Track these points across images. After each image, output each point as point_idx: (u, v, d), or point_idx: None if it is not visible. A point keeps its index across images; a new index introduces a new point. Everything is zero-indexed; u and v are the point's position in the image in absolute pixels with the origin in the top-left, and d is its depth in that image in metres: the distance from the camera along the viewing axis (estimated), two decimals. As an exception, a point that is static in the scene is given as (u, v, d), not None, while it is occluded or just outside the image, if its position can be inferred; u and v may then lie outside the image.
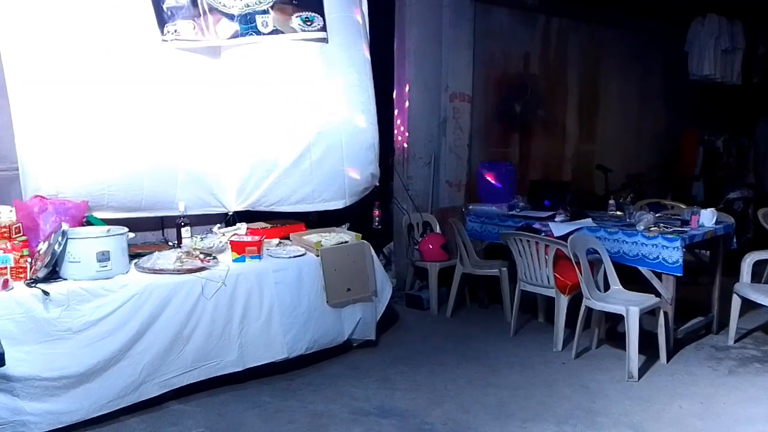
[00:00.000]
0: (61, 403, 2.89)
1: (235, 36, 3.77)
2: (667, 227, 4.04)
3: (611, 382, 3.59)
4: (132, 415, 3.10)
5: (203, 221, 4.05)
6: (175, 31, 3.61)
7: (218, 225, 4.07)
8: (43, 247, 3.08)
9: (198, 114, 3.80)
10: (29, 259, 3.04)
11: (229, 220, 4.11)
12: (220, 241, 3.74)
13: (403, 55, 5.27)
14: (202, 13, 3.69)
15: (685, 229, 4.02)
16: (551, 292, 4.11)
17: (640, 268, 3.98)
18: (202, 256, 3.50)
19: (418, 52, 5.28)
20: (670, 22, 7.14)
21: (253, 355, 3.47)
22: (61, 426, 2.90)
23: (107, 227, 3.27)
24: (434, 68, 5.40)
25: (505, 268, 4.61)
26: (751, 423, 3.12)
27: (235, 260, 3.55)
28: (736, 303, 4.11)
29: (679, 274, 3.82)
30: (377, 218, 4.31)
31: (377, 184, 4.40)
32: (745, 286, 4.11)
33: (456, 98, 5.51)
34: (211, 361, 3.33)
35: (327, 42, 3.97)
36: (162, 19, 3.59)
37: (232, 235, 3.81)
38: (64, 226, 3.07)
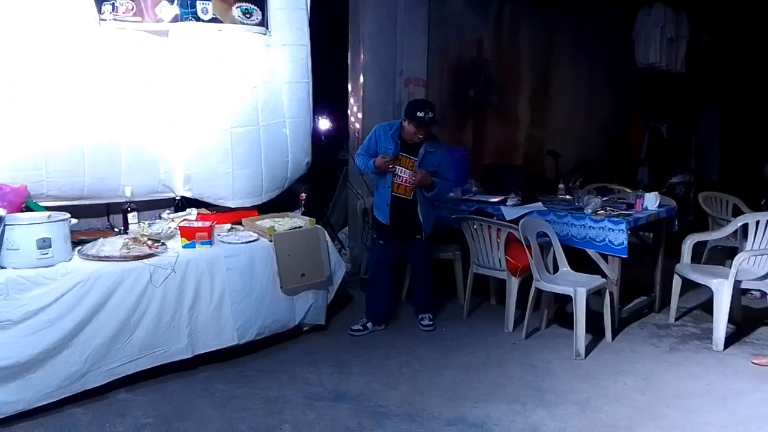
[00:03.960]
0: (2, 394, 2.80)
1: (175, 20, 3.67)
2: (613, 210, 4.15)
3: (560, 361, 3.69)
4: (77, 405, 3.02)
5: (151, 206, 3.94)
6: (113, 10, 3.48)
7: (167, 210, 3.97)
8: (-22, 234, 2.94)
9: (142, 96, 3.68)
10: (-37, 247, 2.90)
11: (178, 205, 4.01)
12: (169, 227, 3.65)
13: (358, 39, 5.22)
14: None
15: (630, 213, 4.14)
16: (503, 275, 4.18)
17: (587, 250, 4.09)
18: (150, 243, 3.41)
19: (372, 37, 5.23)
20: (618, 9, 7.29)
21: (202, 342, 3.42)
22: (1, 417, 2.80)
23: (48, 213, 3.14)
24: (389, 53, 5.36)
25: (458, 252, 4.66)
26: (690, 397, 3.26)
27: (185, 246, 3.47)
28: (677, 283, 4.27)
29: (624, 256, 3.94)
30: (302, 202, 4.34)
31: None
32: (685, 266, 4.26)
33: (411, 83, 5.50)
34: (159, 349, 3.26)
35: (267, 35, 3.94)
36: None
37: (181, 221, 3.72)
38: (2, 212, 2.94)
